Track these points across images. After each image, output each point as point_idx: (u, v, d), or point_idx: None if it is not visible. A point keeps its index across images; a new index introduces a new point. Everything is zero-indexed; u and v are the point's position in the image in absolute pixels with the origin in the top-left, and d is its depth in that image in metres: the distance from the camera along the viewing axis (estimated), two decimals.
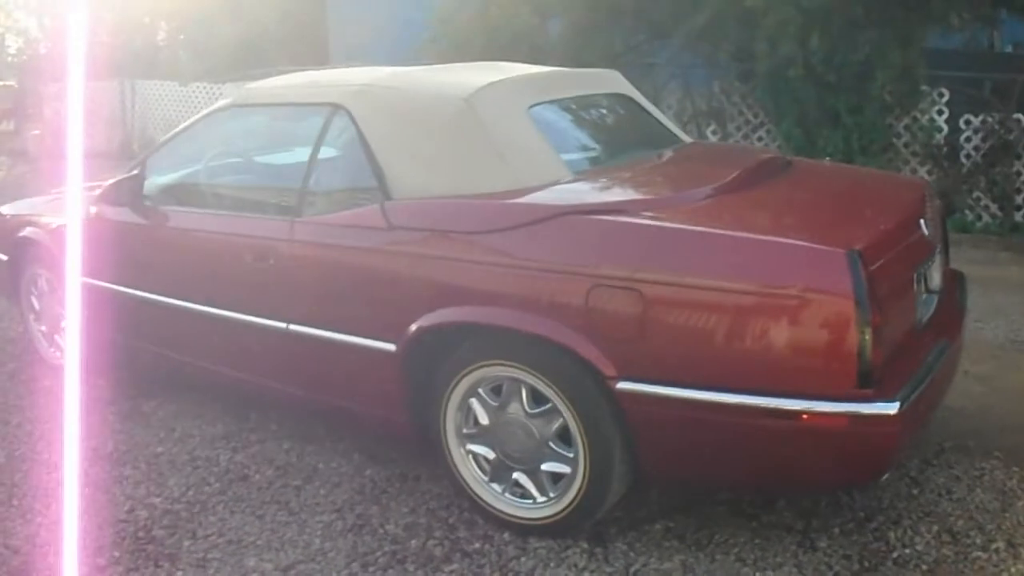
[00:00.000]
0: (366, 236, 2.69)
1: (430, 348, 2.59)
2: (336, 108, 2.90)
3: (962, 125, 6.64)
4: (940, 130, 6.67)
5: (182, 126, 3.45)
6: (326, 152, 2.92)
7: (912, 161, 6.92)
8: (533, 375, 2.45)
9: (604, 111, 3.17)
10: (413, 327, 2.56)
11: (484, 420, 2.60)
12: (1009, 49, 9.98)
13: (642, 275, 2.26)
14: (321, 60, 14.30)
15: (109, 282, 3.51)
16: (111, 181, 3.57)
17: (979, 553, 2.51)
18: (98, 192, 3.64)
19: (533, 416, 2.51)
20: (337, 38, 15.04)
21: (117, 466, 3.15)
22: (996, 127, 6.39)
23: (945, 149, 6.65)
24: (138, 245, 3.41)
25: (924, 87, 6.62)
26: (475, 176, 2.63)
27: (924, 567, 2.46)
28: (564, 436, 2.49)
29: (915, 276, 2.57)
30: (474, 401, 2.60)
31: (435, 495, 2.88)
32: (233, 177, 3.41)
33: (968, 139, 6.63)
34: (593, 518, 2.55)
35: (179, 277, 3.26)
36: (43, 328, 4.07)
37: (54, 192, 4.25)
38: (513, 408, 2.54)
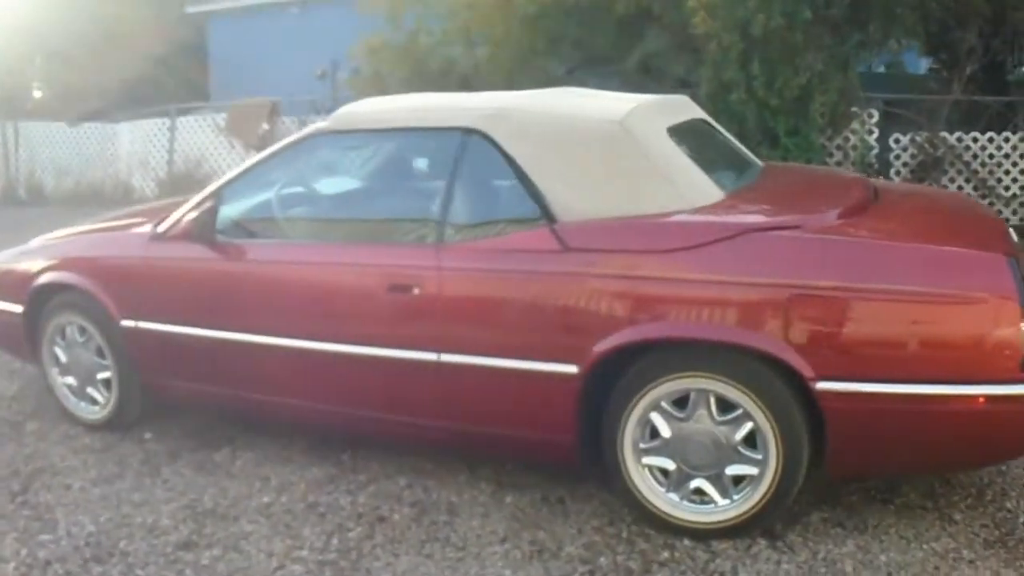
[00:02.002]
0: (538, 259, 2.66)
1: (615, 366, 2.59)
2: (470, 132, 2.85)
3: (892, 144, 7.28)
4: (871, 148, 7.27)
5: (262, 155, 3.25)
6: (463, 176, 2.85)
7: None
8: (727, 383, 2.52)
9: (702, 135, 3.28)
10: (601, 346, 2.56)
11: (666, 433, 2.62)
12: (882, 70, 11.03)
13: (840, 284, 2.42)
14: (202, 98, 13.83)
15: (182, 325, 3.25)
16: (174, 215, 3.32)
17: None
18: (155, 228, 3.38)
19: (721, 423, 2.57)
20: (218, 77, 14.63)
21: (230, 522, 2.90)
22: (924, 145, 7.05)
23: (876, 166, 7.25)
24: (221, 282, 3.17)
25: (854, 108, 7.21)
26: (639, 197, 2.67)
27: None
28: (749, 440, 2.57)
29: None
30: (655, 415, 2.62)
31: (591, 513, 2.85)
32: (340, 206, 3.24)
33: (897, 156, 7.28)
34: (774, 516, 2.64)
35: (279, 315, 3.05)
36: (70, 381, 3.69)
37: (68, 233, 3.89)
38: (699, 418, 2.58)
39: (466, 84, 8.91)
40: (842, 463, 2.57)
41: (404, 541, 2.74)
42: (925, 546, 2.64)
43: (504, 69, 8.57)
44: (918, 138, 7.13)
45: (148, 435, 3.62)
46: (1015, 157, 7.07)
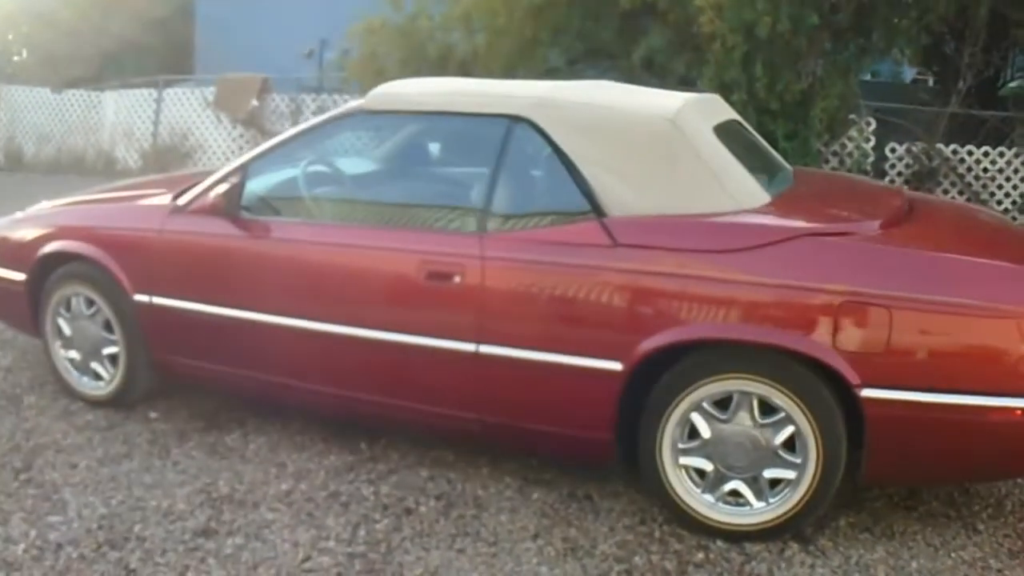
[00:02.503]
0: (585, 253, 2.61)
1: (659, 364, 2.55)
2: (517, 120, 2.78)
3: (888, 153, 7.35)
4: (868, 156, 7.33)
5: (290, 132, 3.15)
6: (508, 164, 2.78)
7: None
8: (771, 386, 2.50)
9: (739, 137, 3.24)
10: (647, 344, 2.52)
11: (706, 434, 2.60)
12: (868, 77, 11.15)
13: (891, 292, 2.41)
14: (187, 70, 13.53)
15: (201, 302, 3.14)
16: (197, 189, 3.21)
17: None
18: (175, 201, 3.27)
19: (763, 426, 2.56)
20: (205, 51, 14.31)
21: (249, 509, 2.81)
22: (920, 155, 7.12)
23: (872, 174, 7.31)
24: (245, 260, 3.07)
25: (853, 116, 7.25)
26: (689, 195, 2.64)
27: None
28: (788, 443, 2.56)
29: None
30: (696, 415, 2.59)
31: (621, 512, 2.83)
32: (376, 188, 3.14)
33: (892, 165, 7.35)
34: (809, 519, 2.64)
35: (306, 296, 2.96)
36: (73, 355, 3.56)
37: (73, 201, 3.75)
38: (740, 419, 2.56)
39: (464, 70, 8.80)
40: (878, 470, 2.57)
41: (434, 535, 2.68)
42: (953, 554, 2.67)
43: (504, 57, 8.49)
44: (914, 148, 7.21)
45: (154, 414, 3.51)
46: (1009, 172, 7.18)
